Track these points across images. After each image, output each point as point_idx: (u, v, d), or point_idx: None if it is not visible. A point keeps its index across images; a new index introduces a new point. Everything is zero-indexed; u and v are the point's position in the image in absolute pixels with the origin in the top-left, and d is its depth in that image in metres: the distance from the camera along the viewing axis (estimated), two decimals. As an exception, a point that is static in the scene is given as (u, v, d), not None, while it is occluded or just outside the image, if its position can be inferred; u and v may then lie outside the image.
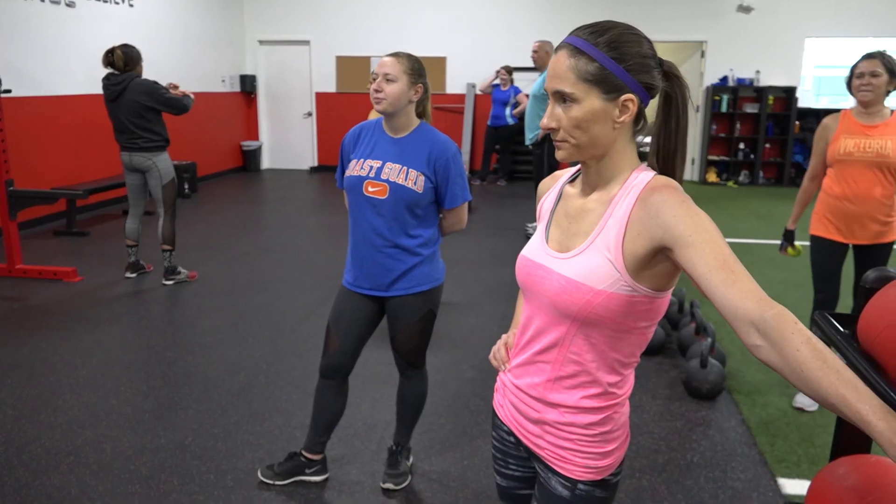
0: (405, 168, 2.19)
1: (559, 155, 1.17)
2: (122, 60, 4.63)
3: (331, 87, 10.85)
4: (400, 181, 2.18)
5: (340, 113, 10.90)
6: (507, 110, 9.34)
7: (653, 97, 1.15)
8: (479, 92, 10.22)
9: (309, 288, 4.94)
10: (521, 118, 9.24)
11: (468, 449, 2.81)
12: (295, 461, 2.55)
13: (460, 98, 10.48)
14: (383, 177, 2.19)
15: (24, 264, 5.07)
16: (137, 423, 2.97)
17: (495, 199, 8.73)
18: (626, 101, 1.11)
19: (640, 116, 1.15)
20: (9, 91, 4.94)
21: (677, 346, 3.82)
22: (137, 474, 2.58)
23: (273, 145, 11.37)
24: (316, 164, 11.23)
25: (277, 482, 2.53)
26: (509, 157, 9.93)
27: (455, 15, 10.28)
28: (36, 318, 4.24)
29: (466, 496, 2.49)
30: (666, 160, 1.18)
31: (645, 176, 1.14)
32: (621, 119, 1.12)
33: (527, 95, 8.84)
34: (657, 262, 1.10)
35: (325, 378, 2.45)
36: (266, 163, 11.39)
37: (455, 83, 10.49)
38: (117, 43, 7.43)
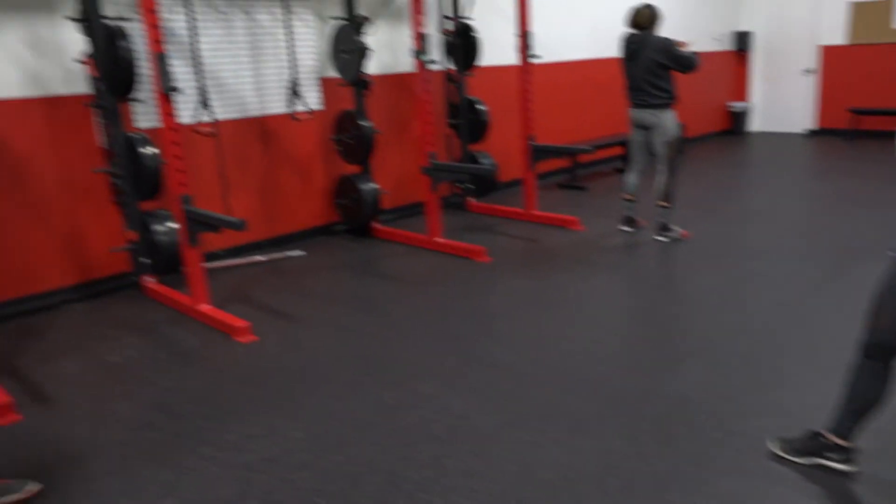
0: None
1: None
2: (648, 19, 4.81)
3: (839, 38, 9.51)
4: None
5: (851, 68, 9.48)
6: None
7: None
8: None
9: (813, 259, 4.45)
10: None
11: None
12: (816, 441, 2.30)
13: None
14: None
15: (538, 211, 5.77)
16: (642, 368, 3.10)
17: None
18: None
19: None
20: (539, 57, 5.60)
21: None
22: (647, 414, 2.69)
23: (765, 106, 10.58)
24: (816, 126, 10.06)
25: (794, 458, 2.34)
26: None
27: None
28: (547, 257, 4.80)
29: None
30: None
31: None
32: None
33: None
34: None
35: (869, 358, 2.14)
36: (756, 125, 10.69)
37: None
38: (620, 7, 7.75)
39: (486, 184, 6.02)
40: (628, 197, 5.26)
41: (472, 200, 6.29)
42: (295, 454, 2.52)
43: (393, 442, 2.56)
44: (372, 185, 5.39)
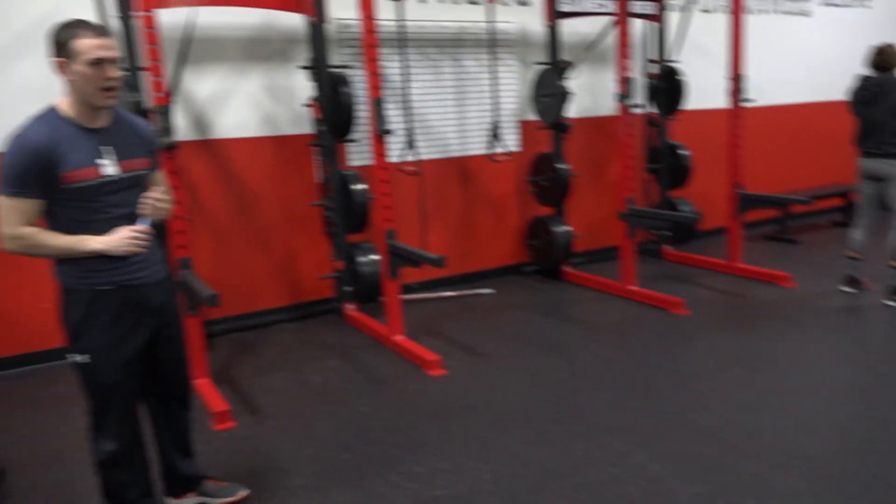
0: None
1: None
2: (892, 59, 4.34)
3: None
4: None
5: None
6: None
7: None
8: None
9: None
10: None
11: None
12: None
13: None
14: None
15: (743, 263, 5.35)
16: (869, 450, 2.70)
17: None
18: None
19: None
20: (752, 101, 5.25)
21: None
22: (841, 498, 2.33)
23: None
24: None
25: None
26: None
27: None
28: (755, 314, 4.41)
29: None
30: None
31: None
32: None
33: None
34: None
35: None
36: None
37: None
38: (840, 49, 7.09)
39: (686, 232, 5.72)
40: (853, 255, 4.71)
41: (669, 248, 6.00)
42: (482, 496, 2.49)
43: (582, 497, 2.45)
44: (565, 228, 5.34)
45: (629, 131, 4.78)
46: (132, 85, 3.53)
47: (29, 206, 1.89)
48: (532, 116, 5.37)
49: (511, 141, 5.42)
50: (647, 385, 3.40)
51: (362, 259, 4.29)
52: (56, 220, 1.96)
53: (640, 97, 5.65)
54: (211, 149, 4.38)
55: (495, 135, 5.08)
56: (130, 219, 2.02)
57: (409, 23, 4.76)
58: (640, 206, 5.40)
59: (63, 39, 1.88)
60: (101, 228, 1.98)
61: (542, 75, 5.20)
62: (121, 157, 2.00)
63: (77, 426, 2.74)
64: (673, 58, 5.71)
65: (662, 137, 5.81)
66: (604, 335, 4.16)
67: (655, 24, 5.77)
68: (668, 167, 5.81)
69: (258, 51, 4.44)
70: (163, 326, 2.19)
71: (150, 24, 3.24)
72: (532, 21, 5.40)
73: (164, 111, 3.32)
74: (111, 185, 1.98)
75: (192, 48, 3.64)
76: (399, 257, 3.93)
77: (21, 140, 1.88)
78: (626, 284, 4.91)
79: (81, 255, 1.96)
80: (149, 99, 3.46)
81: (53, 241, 1.93)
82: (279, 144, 4.57)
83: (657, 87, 5.73)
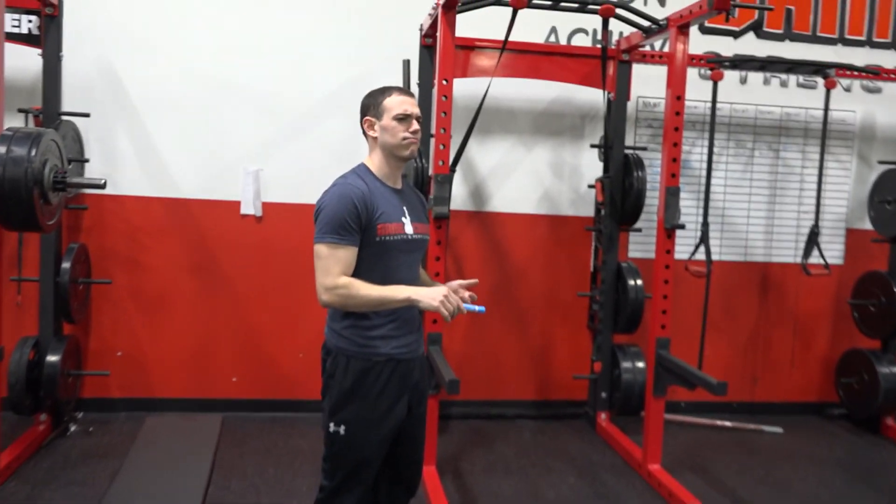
0: None
1: None
2: None
3: None
4: None
5: None
6: None
7: None
8: None
9: None
10: None
11: None
12: None
13: None
14: None
15: None
16: None
17: None
18: None
19: None
20: None
21: None
22: None
23: None
24: None
25: None
26: None
27: None
28: None
29: None
30: None
31: None
32: None
33: None
34: None
35: None
36: None
37: None
38: None
39: None
40: None
41: None
42: None
43: None
44: (894, 369, 4.27)
45: None
46: (419, 152, 3.59)
47: (349, 254, 1.96)
48: (865, 225, 4.47)
49: (833, 251, 4.55)
50: None
51: (626, 365, 3.94)
52: (356, 276, 1.99)
53: None
54: (483, 221, 4.29)
55: (813, 242, 4.30)
56: (411, 285, 2.04)
57: (722, 105, 4.29)
58: None
59: (375, 100, 2.07)
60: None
61: (887, 176, 4.31)
62: (413, 219, 2.10)
63: (303, 488, 2.68)
64: None
65: None
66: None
67: None
68: None
69: (550, 125, 4.30)
70: (416, 404, 2.16)
71: (446, 91, 3.26)
72: (881, 111, 4.55)
73: (444, 180, 3.30)
74: (410, 243, 2.08)
75: (483, 118, 3.61)
76: (669, 372, 3.42)
77: (343, 189, 1.98)
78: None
79: (393, 305, 1.98)
80: (431, 167, 3.48)
81: (368, 291, 1.94)
82: (555, 225, 4.34)
83: None
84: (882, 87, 4.56)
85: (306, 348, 4.01)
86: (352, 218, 1.94)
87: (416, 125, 2.05)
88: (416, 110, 2.06)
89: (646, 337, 3.71)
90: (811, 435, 4.31)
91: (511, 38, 3.34)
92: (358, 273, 1.97)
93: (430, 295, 1.93)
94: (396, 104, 2.03)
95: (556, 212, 4.35)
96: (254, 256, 4.06)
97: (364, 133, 2.10)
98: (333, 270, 1.93)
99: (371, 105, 2.07)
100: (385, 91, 2.08)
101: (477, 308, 1.96)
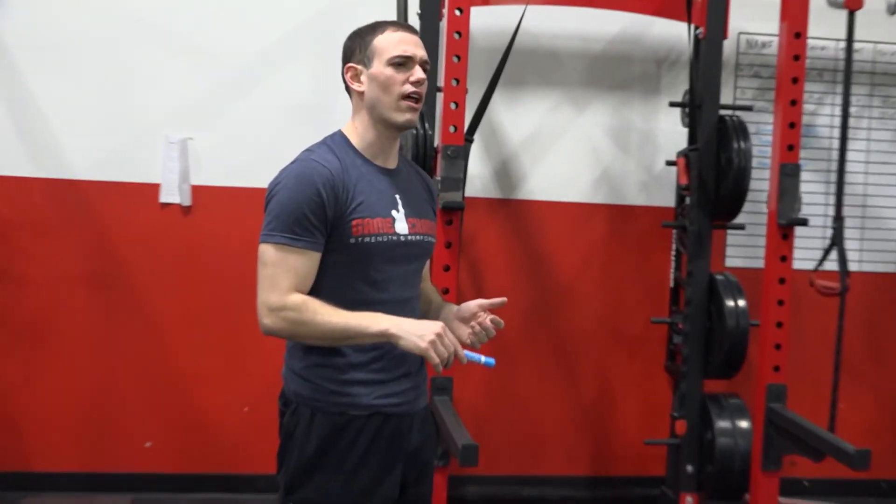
0: None
1: None
2: None
3: None
4: None
5: None
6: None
7: None
8: None
9: None
10: None
11: None
12: None
13: None
14: None
15: None
16: None
17: None
18: None
19: None
20: None
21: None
22: None
23: None
24: None
25: None
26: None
27: None
28: None
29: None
30: None
31: None
32: None
33: None
34: None
35: None
36: None
37: None
38: None
39: None
40: None
41: None
42: None
43: None
44: None
45: None
46: (422, 114, 3.62)
47: (306, 262, 1.94)
48: None
49: None
50: None
51: (722, 424, 3.94)
52: (315, 294, 1.97)
53: None
54: (513, 212, 4.39)
55: None
56: (405, 308, 2.02)
57: (862, 45, 4.32)
58: None
59: (363, 40, 2.06)
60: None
61: None
62: (409, 213, 2.09)
63: None
64: None
65: None
66: None
67: None
68: None
69: (611, 74, 4.41)
70: (413, 480, 2.15)
71: (460, 25, 3.28)
72: None
73: (456, 154, 3.32)
74: (403, 248, 2.06)
75: (513, 64, 3.64)
76: (786, 435, 3.59)
77: (304, 167, 1.98)
78: None
79: (363, 340, 1.95)
80: (439, 135, 3.50)
81: (328, 318, 1.92)
82: (617, 218, 4.44)
83: None
84: None
85: (254, 399, 4.05)
86: (313, 210, 1.93)
87: (420, 73, 2.04)
88: (420, 52, 2.05)
89: (751, 384, 3.85)
90: None
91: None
92: (320, 290, 1.97)
93: (416, 330, 1.90)
94: (393, 43, 2.02)
95: (620, 200, 4.45)
96: (178, 264, 4.10)
97: (346, 87, 2.10)
98: (282, 284, 1.92)
99: (357, 47, 2.07)
100: (377, 27, 2.06)
101: (483, 359, 1.95)
